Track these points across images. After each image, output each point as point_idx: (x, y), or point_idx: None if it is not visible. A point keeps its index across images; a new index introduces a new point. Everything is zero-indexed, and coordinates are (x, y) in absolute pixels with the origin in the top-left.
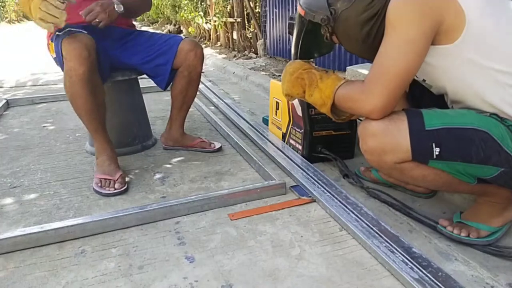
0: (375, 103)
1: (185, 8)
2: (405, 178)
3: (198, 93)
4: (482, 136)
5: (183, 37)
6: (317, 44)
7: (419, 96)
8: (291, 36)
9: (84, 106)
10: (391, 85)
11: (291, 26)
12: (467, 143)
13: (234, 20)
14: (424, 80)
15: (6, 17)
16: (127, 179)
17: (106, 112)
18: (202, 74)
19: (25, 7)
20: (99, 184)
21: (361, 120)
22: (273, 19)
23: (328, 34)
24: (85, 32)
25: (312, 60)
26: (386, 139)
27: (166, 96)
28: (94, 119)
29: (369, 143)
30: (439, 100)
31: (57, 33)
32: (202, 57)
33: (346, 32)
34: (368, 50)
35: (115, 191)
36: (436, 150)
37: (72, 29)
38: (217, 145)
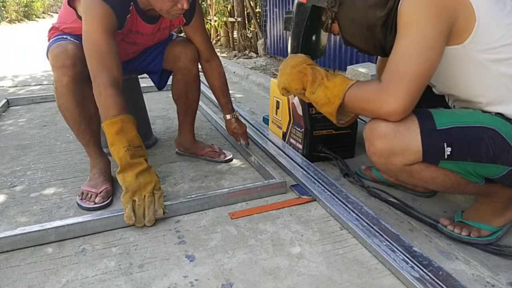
0: (396, 105)
1: None
2: (414, 180)
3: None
4: (491, 134)
5: (175, 35)
6: (317, 37)
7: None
8: (288, 32)
9: (71, 118)
10: (412, 86)
11: (287, 21)
12: (477, 141)
13: (234, 20)
14: None
15: (7, 17)
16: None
17: (99, 124)
18: (201, 74)
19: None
20: (80, 197)
21: (361, 119)
22: (273, 18)
23: (329, 21)
24: (77, 41)
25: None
26: (396, 141)
27: (166, 96)
28: (84, 131)
29: (377, 145)
30: (440, 99)
31: (52, 38)
32: (194, 58)
33: (351, 17)
34: (370, 39)
35: (95, 205)
36: (448, 150)
37: (64, 35)
38: (228, 155)
